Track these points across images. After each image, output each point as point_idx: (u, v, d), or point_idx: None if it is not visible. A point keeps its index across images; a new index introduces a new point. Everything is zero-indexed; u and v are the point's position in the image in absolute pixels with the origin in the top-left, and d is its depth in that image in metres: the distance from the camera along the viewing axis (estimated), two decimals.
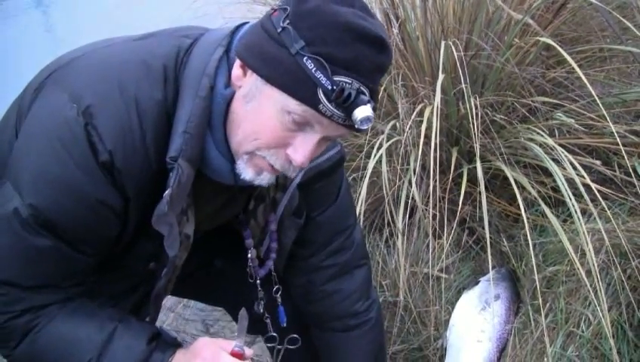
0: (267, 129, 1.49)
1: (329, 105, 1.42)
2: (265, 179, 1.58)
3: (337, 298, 2.11)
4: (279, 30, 1.44)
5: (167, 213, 1.52)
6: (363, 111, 1.42)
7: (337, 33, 1.41)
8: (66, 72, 1.60)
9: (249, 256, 1.91)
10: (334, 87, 1.40)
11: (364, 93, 1.43)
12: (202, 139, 1.55)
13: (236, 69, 1.53)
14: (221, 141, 1.57)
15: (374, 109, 1.47)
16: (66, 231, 1.53)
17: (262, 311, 1.99)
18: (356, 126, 1.44)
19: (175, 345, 1.72)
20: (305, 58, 1.41)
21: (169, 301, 3.15)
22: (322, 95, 1.41)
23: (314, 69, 1.41)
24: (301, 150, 1.50)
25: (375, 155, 2.75)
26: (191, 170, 1.54)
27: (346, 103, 1.41)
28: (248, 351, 1.67)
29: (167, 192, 1.50)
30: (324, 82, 1.40)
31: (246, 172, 1.56)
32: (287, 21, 1.43)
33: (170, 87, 1.55)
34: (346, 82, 1.41)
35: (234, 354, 1.64)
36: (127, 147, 1.48)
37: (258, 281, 1.95)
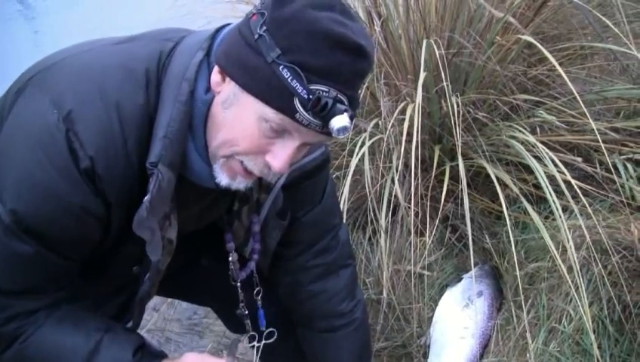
0: (245, 136, 1.48)
1: (306, 115, 1.41)
2: (241, 183, 1.57)
3: (323, 298, 2.12)
4: (256, 37, 1.42)
5: (148, 218, 1.52)
6: (340, 121, 1.40)
7: (314, 41, 1.40)
8: (48, 75, 1.58)
9: (230, 259, 1.90)
10: (310, 96, 1.39)
11: (341, 102, 1.41)
12: (183, 143, 1.55)
13: (215, 75, 1.53)
14: (202, 145, 1.57)
15: (352, 117, 1.45)
16: (48, 237, 1.52)
17: (245, 312, 1.98)
18: (332, 134, 1.43)
19: (160, 356, 1.73)
20: (281, 67, 1.39)
21: (153, 301, 3.14)
22: (299, 104, 1.40)
23: (290, 77, 1.39)
24: (279, 156, 1.49)
25: (357, 153, 2.76)
26: (171, 174, 1.53)
27: (322, 112, 1.39)
28: None
29: (146, 198, 1.50)
30: (300, 91, 1.39)
31: (221, 176, 1.55)
32: (264, 28, 1.42)
33: (152, 91, 1.54)
34: (322, 91, 1.39)
35: None
36: (108, 153, 1.47)
37: (238, 285, 1.94)
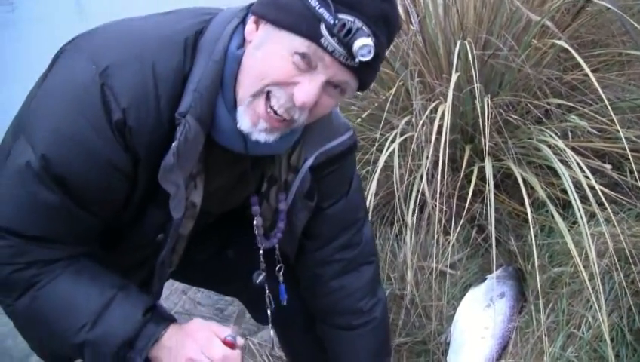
0: (275, 67, 1.55)
1: (331, 40, 1.49)
2: (262, 130, 1.60)
3: (342, 294, 2.14)
4: None
5: (174, 170, 1.57)
6: (362, 41, 1.48)
7: None
8: (88, 37, 1.66)
9: (254, 223, 1.91)
10: (336, 22, 1.48)
11: (365, 32, 1.50)
12: (213, 101, 1.61)
13: (249, 25, 1.61)
14: (231, 102, 1.62)
15: (377, 47, 1.52)
16: (74, 187, 1.57)
17: (259, 281, 1.98)
18: (356, 58, 1.50)
19: (169, 319, 1.76)
20: None
21: (182, 284, 3.20)
22: (324, 29, 1.49)
23: (318, 6, 1.50)
24: (304, 89, 1.54)
25: (388, 149, 2.78)
26: (199, 128, 1.59)
27: (347, 37, 1.48)
28: (240, 341, 1.71)
29: (173, 144, 1.55)
30: (326, 17, 1.49)
31: (243, 120, 1.59)
32: None
33: (189, 56, 1.60)
34: (348, 19, 1.49)
35: (226, 343, 1.68)
36: (140, 108, 1.53)
37: (261, 252, 1.95)
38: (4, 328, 3.03)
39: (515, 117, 2.85)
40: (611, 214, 2.40)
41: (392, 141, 2.80)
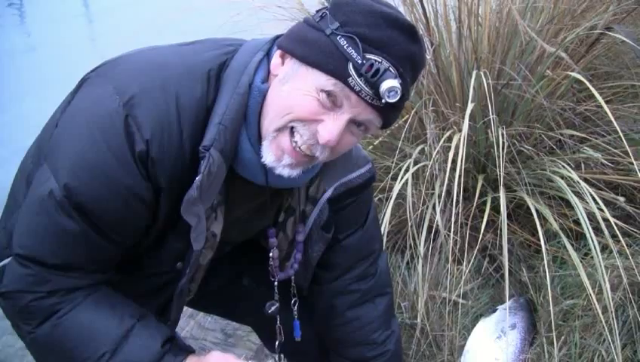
0: (300, 103, 1.55)
1: (358, 80, 1.50)
2: (286, 165, 1.61)
3: (356, 325, 2.13)
4: (318, 19, 1.55)
5: (197, 203, 1.57)
6: (389, 83, 1.49)
7: (371, 18, 1.52)
8: (112, 66, 1.67)
9: (270, 255, 1.93)
10: (364, 62, 1.49)
11: (392, 73, 1.51)
12: (236, 133, 1.61)
13: (275, 59, 1.62)
14: (254, 136, 1.62)
15: (402, 87, 1.52)
16: (95, 216, 1.57)
17: (271, 311, 1.99)
18: (383, 99, 1.51)
19: (187, 350, 1.76)
20: (339, 37, 1.51)
21: (190, 309, 3.19)
22: (352, 69, 1.50)
23: (346, 45, 1.50)
24: (329, 128, 1.55)
25: (401, 178, 2.78)
26: (222, 162, 1.59)
27: (374, 78, 1.48)
28: None
29: (197, 178, 1.55)
30: (355, 57, 1.50)
31: (267, 154, 1.60)
32: (325, 12, 1.55)
33: (212, 87, 1.61)
34: (376, 60, 1.49)
35: None
36: (163, 138, 1.54)
37: (276, 283, 1.96)
38: (11, 349, 3.02)
39: (528, 147, 2.85)
40: (625, 246, 2.39)
41: (406, 170, 2.80)
